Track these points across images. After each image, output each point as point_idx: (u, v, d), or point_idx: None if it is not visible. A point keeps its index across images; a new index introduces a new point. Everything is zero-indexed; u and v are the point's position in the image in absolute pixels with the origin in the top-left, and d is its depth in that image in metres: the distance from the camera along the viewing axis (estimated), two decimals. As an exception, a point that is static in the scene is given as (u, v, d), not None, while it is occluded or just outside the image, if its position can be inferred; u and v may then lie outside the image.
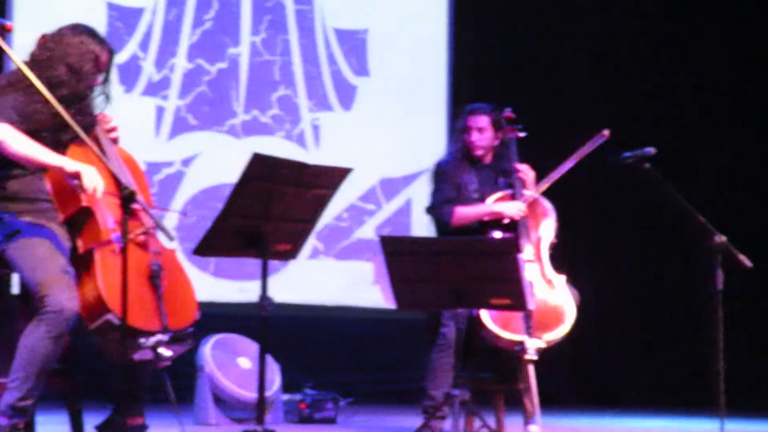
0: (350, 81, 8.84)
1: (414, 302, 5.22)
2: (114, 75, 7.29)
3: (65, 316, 4.35)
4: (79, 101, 4.68)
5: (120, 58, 8.26)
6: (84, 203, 4.54)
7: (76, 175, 4.38)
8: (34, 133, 4.51)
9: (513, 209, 5.94)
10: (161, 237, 4.67)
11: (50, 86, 4.51)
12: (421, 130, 8.91)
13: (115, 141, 4.88)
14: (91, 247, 4.51)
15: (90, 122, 4.72)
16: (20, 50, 4.71)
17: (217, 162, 8.40)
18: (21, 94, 4.56)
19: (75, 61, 4.68)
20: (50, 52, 4.70)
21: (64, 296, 4.36)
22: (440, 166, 6.19)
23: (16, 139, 4.45)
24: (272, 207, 4.67)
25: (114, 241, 4.50)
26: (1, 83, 4.64)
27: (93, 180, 4.39)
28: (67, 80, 4.65)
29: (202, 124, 8.53)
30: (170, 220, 8.19)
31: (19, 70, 4.52)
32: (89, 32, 4.79)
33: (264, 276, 4.74)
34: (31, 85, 4.36)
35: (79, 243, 4.58)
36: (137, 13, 8.43)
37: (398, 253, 5.05)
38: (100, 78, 4.79)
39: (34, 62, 4.65)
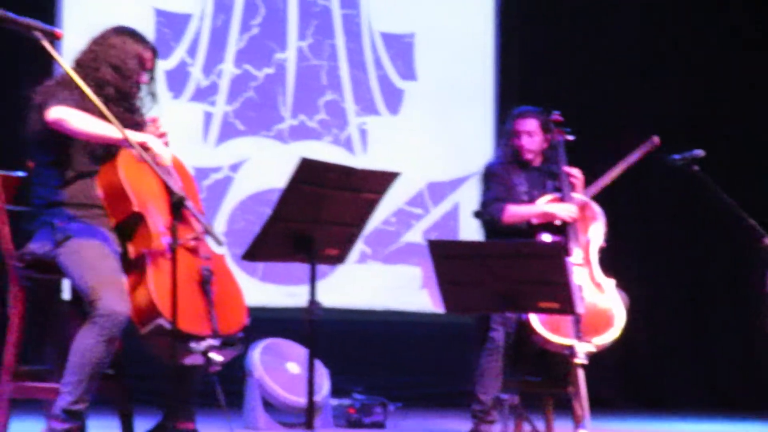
0: (397, 85, 8.84)
1: (462, 306, 5.21)
2: (162, 81, 7.37)
3: (116, 319, 4.38)
4: (126, 99, 4.74)
5: (168, 64, 8.32)
6: (135, 208, 4.58)
7: (144, 146, 4.43)
8: None
9: (564, 211, 5.93)
10: (211, 242, 4.70)
11: (97, 87, 4.58)
12: (468, 133, 8.90)
13: (165, 146, 4.92)
14: (142, 253, 4.54)
15: (139, 123, 4.77)
16: (69, 56, 4.77)
17: (265, 167, 8.43)
18: (73, 92, 4.62)
19: (118, 61, 4.75)
20: (94, 54, 4.77)
21: (115, 300, 4.39)
22: (490, 168, 6.19)
23: (76, 116, 4.50)
24: (320, 211, 4.68)
25: (164, 247, 4.54)
26: (51, 84, 4.71)
27: (162, 147, 4.48)
28: (112, 79, 4.72)
29: (250, 130, 8.57)
30: (219, 225, 8.24)
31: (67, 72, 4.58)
32: (131, 33, 4.86)
33: (312, 280, 4.76)
34: (79, 87, 4.42)
35: (130, 248, 4.61)
36: (185, 19, 8.48)
37: (446, 256, 5.04)
38: (146, 76, 4.85)
39: (79, 66, 4.72)
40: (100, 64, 4.73)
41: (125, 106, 4.72)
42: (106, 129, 4.47)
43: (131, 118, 4.70)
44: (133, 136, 4.41)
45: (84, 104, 4.57)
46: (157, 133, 4.81)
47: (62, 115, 4.49)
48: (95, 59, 4.75)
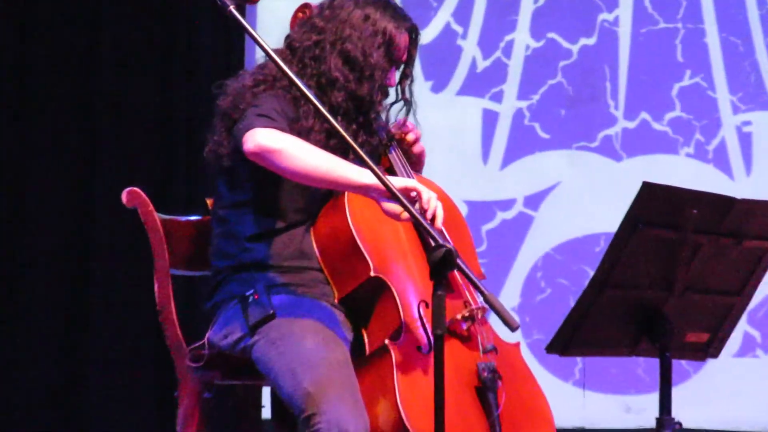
0: (801, 60, 8.76)
1: None
2: (417, 66, 7.47)
3: (347, 444, 4.44)
4: (361, 111, 4.75)
5: (424, 36, 8.40)
6: (373, 273, 4.61)
7: (408, 193, 4.40)
8: None
9: None
10: (496, 323, 4.69)
11: (318, 89, 4.61)
12: None
13: (418, 163, 4.94)
14: (385, 343, 4.57)
15: (383, 143, 4.80)
16: (275, 35, 4.83)
17: (583, 198, 8.44)
18: (281, 98, 4.65)
19: (355, 48, 4.75)
20: (318, 34, 4.78)
21: (345, 414, 4.44)
22: None
23: (293, 146, 4.45)
24: (677, 271, 4.64)
25: (421, 332, 4.56)
26: (246, 83, 4.73)
27: (433, 199, 4.45)
28: (342, 77, 4.73)
29: (558, 139, 8.59)
30: (509, 296, 8.25)
31: (268, 62, 4.62)
32: (380, 1, 4.85)
33: (666, 385, 4.71)
34: (289, 85, 4.46)
35: (365, 335, 4.66)
36: (450, -35, 8.61)
37: None
38: (396, 74, 4.86)
39: (293, 50, 4.76)
40: (326, 51, 4.75)
41: (359, 123, 4.72)
42: (342, 169, 4.45)
43: (368, 140, 4.71)
44: (395, 180, 4.38)
45: (297, 114, 4.61)
46: (406, 143, 4.85)
47: (272, 143, 4.45)
48: (319, 42, 4.76)
